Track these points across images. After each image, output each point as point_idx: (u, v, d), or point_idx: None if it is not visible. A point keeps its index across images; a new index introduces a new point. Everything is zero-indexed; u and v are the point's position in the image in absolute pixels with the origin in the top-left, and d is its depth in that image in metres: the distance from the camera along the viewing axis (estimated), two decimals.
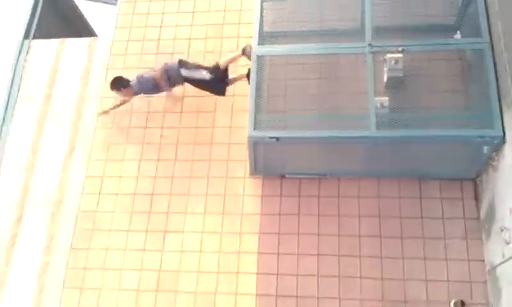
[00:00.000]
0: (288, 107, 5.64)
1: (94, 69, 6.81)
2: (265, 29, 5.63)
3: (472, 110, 4.99)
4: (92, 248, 5.70)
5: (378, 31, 5.12)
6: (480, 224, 5.09)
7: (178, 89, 6.15)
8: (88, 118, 6.47)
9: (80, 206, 5.95)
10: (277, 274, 5.26)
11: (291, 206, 5.52)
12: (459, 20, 5.50)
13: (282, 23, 5.75)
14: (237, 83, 6.10)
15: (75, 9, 8.42)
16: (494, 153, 4.69)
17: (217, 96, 6.05)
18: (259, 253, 5.38)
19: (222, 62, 5.89)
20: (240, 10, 6.64)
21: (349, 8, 5.66)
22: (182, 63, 5.87)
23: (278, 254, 5.34)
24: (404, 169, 5.30)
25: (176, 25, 6.74)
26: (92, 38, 7.33)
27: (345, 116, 5.22)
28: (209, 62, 6.31)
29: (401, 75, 5.28)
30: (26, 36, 7.26)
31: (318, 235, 5.34)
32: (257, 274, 5.31)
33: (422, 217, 5.23)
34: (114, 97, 6.19)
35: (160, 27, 6.77)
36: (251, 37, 5.58)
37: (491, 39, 4.82)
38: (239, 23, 6.56)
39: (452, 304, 4.86)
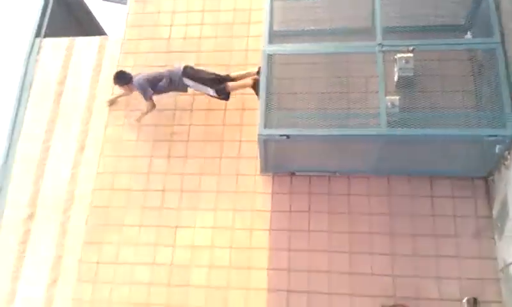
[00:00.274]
0: (299, 105, 5.67)
1: (104, 67, 6.85)
2: (275, 28, 5.66)
3: (483, 109, 5.01)
4: (104, 242, 5.76)
5: (388, 31, 5.15)
6: (493, 222, 5.12)
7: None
8: (98, 115, 6.52)
9: (92, 202, 6.00)
10: (288, 270, 5.30)
11: (301, 204, 5.56)
12: (469, 19, 5.52)
13: (292, 23, 5.79)
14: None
15: (85, 8, 8.47)
16: (506, 152, 4.71)
17: None
18: (270, 249, 5.42)
19: (231, 86, 5.95)
20: (250, 9, 6.67)
21: (359, 8, 5.68)
22: (186, 72, 5.91)
23: (289, 250, 5.38)
24: (415, 167, 5.34)
25: (186, 24, 6.78)
26: (103, 36, 7.38)
27: (355, 115, 5.26)
28: (220, 60, 6.41)
29: (412, 74, 5.30)
30: (37, 35, 7.31)
31: (328, 232, 5.38)
32: (268, 269, 5.35)
33: (433, 215, 5.26)
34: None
35: (171, 26, 6.82)
36: (260, 36, 5.63)
37: (502, 38, 4.85)
38: (249, 23, 6.60)
39: (464, 301, 4.87)
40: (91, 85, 6.79)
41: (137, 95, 6.18)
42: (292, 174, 5.69)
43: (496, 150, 4.71)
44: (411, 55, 5.21)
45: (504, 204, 4.81)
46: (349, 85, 5.63)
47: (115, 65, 6.70)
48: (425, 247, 5.17)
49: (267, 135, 4.99)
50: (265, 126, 4.98)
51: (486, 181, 5.30)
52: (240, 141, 5.98)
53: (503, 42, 4.84)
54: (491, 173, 5.17)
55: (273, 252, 5.41)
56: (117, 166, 6.14)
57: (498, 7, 5.04)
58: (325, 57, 5.59)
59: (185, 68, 5.93)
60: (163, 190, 5.90)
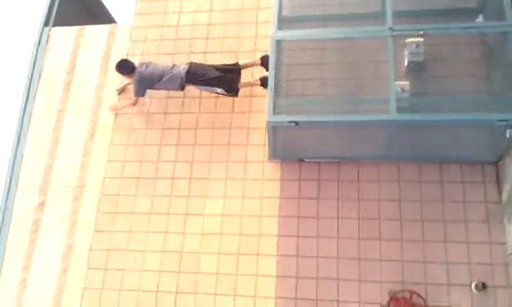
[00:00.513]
0: (308, 92, 5.63)
1: (114, 55, 6.86)
2: (284, 13, 5.62)
3: (494, 94, 4.95)
4: (115, 230, 5.80)
5: (399, 15, 5.09)
6: (503, 207, 5.08)
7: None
8: (108, 103, 6.53)
9: (103, 190, 6.03)
10: (297, 256, 5.31)
11: (310, 190, 5.55)
12: (481, 2, 5.44)
13: (301, 8, 5.75)
14: (256, 68, 6.12)
15: None
16: None
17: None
18: (279, 236, 5.43)
19: (240, 84, 5.93)
20: None
21: None
22: (189, 77, 5.85)
23: (298, 236, 5.38)
24: (425, 152, 5.30)
25: (194, 11, 6.76)
26: (112, 24, 7.37)
27: (365, 100, 5.21)
28: (228, 48, 6.39)
29: (422, 59, 5.25)
30: (46, 24, 7.33)
31: (338, 218, 5.37)
32: (277, 255, 5.36)
33: (442, 201, 5.24)
34: None
35: (179, 13, 6.79)
36: (270, 21, 5.59)
37: None
38: (258, 9, 6.57)
39: (473, 286, 4.87)
40: (100, 73, 6.81)
41: None
42: (301, 160, 5.67)
43: (507, 135, 4.63)
44: (421, 39, 5.15)
45: None
46: (359, 70, 5.57)
47: (124, 53, 6.70)
48: (434, 233, 5.16)
49: (275, 122, 4.97)
50: (274, 113, 4.95)
51: (496, 166, 5.26)
52: (248, 128, 5.97)
53: None
54: (501, 158, 5.13)
55: (282, 239, 5.42)
56: (126, 154, 6.16)
57: None
58: (334, 42, 5.53)
59: (188, 73, 5.85)
60: (172, 178, 5.92)
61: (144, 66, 6.03)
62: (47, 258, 5.96)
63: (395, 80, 4.83)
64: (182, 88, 5.97)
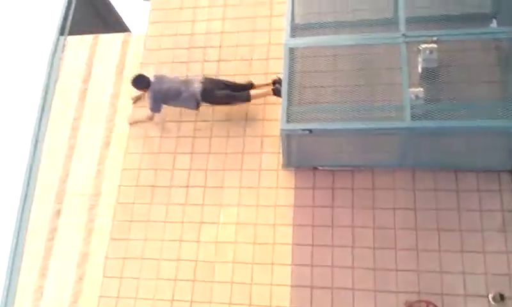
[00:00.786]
0: (321, 99, 5.61)
1: (128, 64, 6.92)
2: (297, 21, 5.62)
3: (509, 100, 4.89)
4: (130, 239, 5.84)
5: (412, 21, 5.06)
6: None
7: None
8: (123, 111, 6.60)
9: (118, 198, 6.08)
10: (311, 266, 5.30)
11: (324, 198, 5.53)
12: (495, 8, 5.39)
13: (314, 15, 5.74)
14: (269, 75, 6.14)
15: (108, 5, 8.55)
16: None
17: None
18: (293, 245, 5.42)
19: (252, 94, 5.94)
20: (272, 3, 6.64)
21: None
22: (205, 96, 5.89)
23: (313, 245, 5.37)
24: (440, 160, 5.26)
25: (208, 20, 6.78)
26: (126, 33, 7.43)
27: (379, 108, 5.18)
28: (242, 56, 6.40)
29: (436, 65, 5.19)
30: (61, 33, 7.42)
31: (352, 227, 5.35)
32: (292, 265, 5.35)
33: (458, 210, 5.19)
34: None
35: (193, 21, 6.82)
36: (282, 29, 5.59)
37: None
38: (271, 16, 6.57)
39: (490, 297, 4.82)
40: (115, 82, 6.87)
41: None
42: (315, 168, 5.66)
43: None
44: (435, 45, 5.10)
45: None
46: (372, 77, 5.54)
47: (138, 61, 6.76)
48: (450, 242, 5.11)
49: (289, 129, 4.97)
50: (287, 121, 4.95)
51: None
52: (262, 136, 5.98)
53: None
54: None
55: (296, 248, 5.41)
56: (141, 163, 6.20)
57: None
58: (347, 49, 5.51)
59: (203, 92, 5.87)
60: (187, 187, 5.94)
61: (159, 81, 6.04)
62: (63, 266, 6.03)
63: (409, 87, 4.80)
64: (198, 107, 6.00)
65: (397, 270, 5.10)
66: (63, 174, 6.49)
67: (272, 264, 5.41)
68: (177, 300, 5.49)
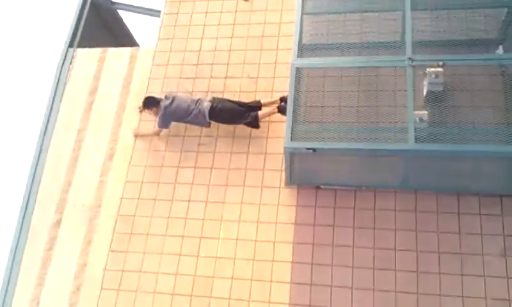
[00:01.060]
0: (326, 119, 5.63)
1: (135, 78, 6.98)
2: (304, 41, 5.67)
3: None
4: (130, 251, 5.81)
5: (418, 45, 5.11)
6: None
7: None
8: (128, 124, 6.63)
9: (120, 211, 6.07)
10: (311, 284, 5.25)
11: (326, 217, 5.51)
12: (501, 34, 5.44)
13: (321, 36, 5.80)
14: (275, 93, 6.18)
15: (118, 19, 8.67)
16: None
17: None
18: (293, 263, 5.39)
19: (260, 114, 5.97)
20: (280, 23, 6.71)
21: (388, 21, 5.67)
22: (213, 115, 5.94)
23: (312, 264, 5.33)
24: (443, 183, 5.24)
25: (217, 37, 6.84)
26: (134, 47, 7.51)
27: (383, 129, 5.20)
28: (249, 74, 6.45)
29: (441, 89, 5.23)
30: (70, 45, 7.50)
31: (353, 247, 5.32)
32: (291, 283, 5.31)
33: (459, 233, 5.16)
34: None
35: (202, 38, 6.89)
36: (289, 49, 5.66)
37: None
38: (279, 36, 6.64)
39: None
40: (121, 95, 6.91)
41: None
42: (318, 187, 5.65)
43: None
44: (441, 69, 5.14)
45: None
46: (377, 98, 5.58)
47: (145, 75, 6.81)
48: (450, 265, 5.07)
49: (293, 148, 4.99)
50: (291, 139, 4.97)
51: None
52: (265, 153, 5.99)
53: None
54: None
55: (296, 266, 5.37)
56: (145, 176, 6.21)
57: None
58: (354, 70, 5.56)
59: (211, 110, 5.93)
60: (188, 201, 5.94)
61: (169, 101, 6.08)
62: (60, 276, 6.00)
63: (414, 110, 4.82)
64: (209, 124, 6.04)
65: (396, 292, 5.05)
66: (65, 184, 6.49)
67: (271, 281, 5.37)
68: None
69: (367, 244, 5.30)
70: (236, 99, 6.23)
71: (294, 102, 5.15)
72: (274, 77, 6.39)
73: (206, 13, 7.05)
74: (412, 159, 4.85)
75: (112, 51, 7.33)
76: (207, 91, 6.45)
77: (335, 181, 5.57)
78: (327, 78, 5.72)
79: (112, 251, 5.87)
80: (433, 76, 5.22)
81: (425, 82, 5.28)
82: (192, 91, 6.49)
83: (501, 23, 5.44)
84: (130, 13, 8.55)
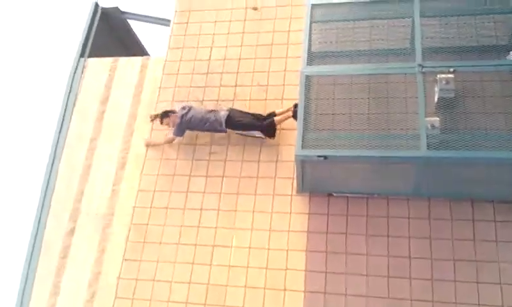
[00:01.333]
0: (337, 126, 5.63)
1: (146, 87, 7.04)
2: (314, 49, 5.68)
3: None
4: (143, 260, 5.84)
5: (428, 51, 5.12)
6: None
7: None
8: (140, 133, 6.68)
9: (133, 219, 6.10)
10: (324, 293, 5.25)
11: (338, 225, 5.51)
12: None
13: (330, 44, 5.81)
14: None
15: (128, 29, 8.73)
16: None
17: None
18: (306, 271, 5.39)
19: (276, 120, 5.99)
20: (289, 31, 6.73)
21: (398, 28, 5.67)
22: (229, 123, 5.98)
23: (326, 272, 5.33)
24: (456, 190, 5.23)
25: (226, 46, 6.88)
26: (144, 57, 7.58)
27: (394, 136, 5.20)
28: (258, 82, 6.48)
29: (452, 95, 5.22)
30: (82, 55, 7.58)
31: (366, 255, 5.31)
32: (305, 292, 5.31)
33: (474, 240, 5.14)
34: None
35: (211, 47, 6.92)
36: (299, 57, 5.68)
37: None
38: (288, 44, 6.66)
39: None
40: (132, 104, 6.97)
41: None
42: (330, 195, 5.65)
43: None
44: (451, 76, 5.14)
45: None
46: (388, 106, 5.57)
47: (156, 85, 6.85)
48: (465, 273, 5.05)
49: (304, 155, 5.00)
50: (302, 147, 4.99)
51: None
52: (277, 161, 6.00)
53: None
54: None
55: (309, 274, 5.37)
56: (157, 184, 6.23)
57: None
58: (364, 78, 5.56)
59: (228, 118, 5.98)
60: (201, 209, 5.96)
61: (186, 110, 6.15)
62: (74, 285, 6.04)
63: (425, 117, 4.82)
64: (225, 131, 6.08)
65: (411, 300, 5.04)
66: (78, 193, 6.55)
67: (285, 290, 5.37)
68: None
69: (380, 251, 5.29)
70: (246, 108, 6.28)
71: (304, 110, 5.17)
72: (283, 85, 6.41)
73: (215, 22, 7.08)
74: (424, 166, 4.84)
75: (123, 61, 7.39)
76: (217, 100, 6.49)
77: (346, 189, 5.57)
78: (337, 85, 5.72)
79: (126, 260, 5.90)
80: (444, 82, 5.21)
81: (436, 89, 5.27)
82: (203, 100, 6.52)
83: (511, 29, 5.42)
84: (140, 22, 8.61)
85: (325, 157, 4.92)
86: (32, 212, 6.62)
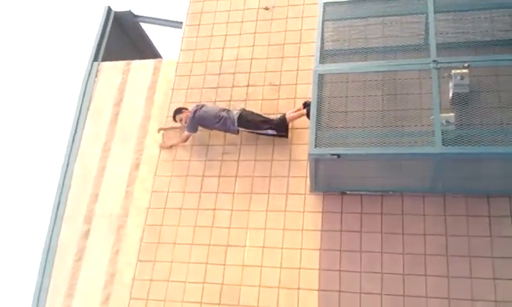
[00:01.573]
0: (350, 124, 5.59)
1: (159, 89, 7.08)
2: (326, 47, 5.66)
3: None
4: (157, 261, 5.84)
5: (442, 47, 5.06)
6: None
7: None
8: (153, 135, 6.71)
9: (147, 221, 6.10)
10: (339, 291, 5.20)
11: (353, 223, 5.46)
12: None
13: (343, 42, 5.78)
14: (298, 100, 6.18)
15: (141, 32, 8.80)
16: None
17: None
18: (320, 270, 5.35)
19: (288, 117, 5.99)
20: (301, 30, 6.71)
21: (411, 25, 5.63)
22: (241, 122, 6.00)
23: (340, 271, 5.28)
24: (471, 186, 5.15)
25: (238, 47, 6.87)
26: (157, 59, 7.63)
27: (408, 133, 5.15)
28: (271, 82, 6.47)
29: (467, 91, 5.16)
30: (95, 59, 7.66)
31: (381, 253, 5.25)
32: (319, 290, 5.27)
33: (491, 236, 5.05)
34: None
35: (223, 48, 6.93)
36: (311, 55, 5.66)
37: None
38: (300, 43, 6.64)
39: None
40: (146, 106, 7.02)
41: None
42: (343, 193, 5.61)
43: None
44: (466, 71, 5.07)
45: None
46: (402, 102, 5.52)
47: (169, 86, 6.88)
48: (482, 269, 4.96)
49: (317, 154, 4.96)
50: (315, 146, 4.94)
51: None
52: (290, 160, 5.97)
53: None
54: None
55: (324, 273, 5.33)
56: (170, 185, 6.24)
57: None
58: (377, 75, 5.52)
59: (240, 117, 6.00)
60: (214, 209, 5.95)
61: (199, 106, 6.21)
62: (90, 286, 6.08)
63: (440, 113, 4.76)
64: (238, 131, 6.09)
65: (427, 298, 4.96)
66: (92, 195, 6.60)
67: (299, 289, 5.33)
68: None
69: (395, 249, 5.23)
70: (259, 107, 6.30)
71: (317, 108, 5.13)
72: (296, 84, 6.39)
73: (227, 23, 7.09)
74: (440, 162, 4.78)
75: (136, 63, 7.46)
76: (230, 100, 6.48)
77: (360, 187, 5.53)
78: (350, 83, 5.68)
79: (140, 261, 5.91)
80: (459, 78, 5.13)
81: (450, 85, 5.20)
82: (215, 101, 6.52)
83: None
84: (153, 25, 8.68)
85: (338, 156, 4.87)
86: (47, 215, 6.71)
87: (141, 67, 7.39)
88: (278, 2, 6.98)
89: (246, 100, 6.43)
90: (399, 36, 5.66)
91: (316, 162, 5.11)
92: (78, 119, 7.19)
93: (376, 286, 5.14)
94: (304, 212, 5.68)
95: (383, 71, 5.39)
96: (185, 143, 6.36)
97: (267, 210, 5.80)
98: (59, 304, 6.09)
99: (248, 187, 5.98)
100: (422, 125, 5.02)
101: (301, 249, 5.50)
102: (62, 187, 6.74)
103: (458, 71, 5.09)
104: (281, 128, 5.96)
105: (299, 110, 6.00)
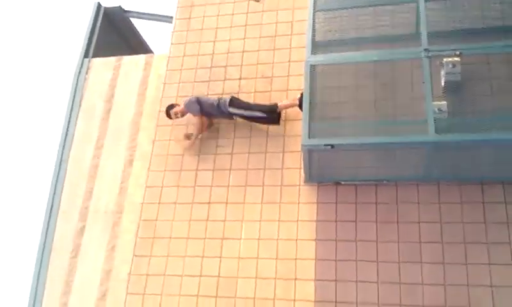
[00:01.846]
0: (343, 114, 5.61)
1: (151, 84, 7.04)
2: (317, 38, 5.65)
3: None
4: (153, 255, 5.84)
5: (434, 35, 5.07)
6: None
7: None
8: (145, 130, 6.69)
9: (141, 216, 6.10)
10: (335, 281, 5.22)
11: (348, 213, 5.48)
12: None
13: (334, 32, 5.77)
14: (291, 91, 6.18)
15: (131, 27, 8.73)
16: None
17: None
18: (316, 260, 5.36)
19: (280, 105, 6.00)
20: (292, 21, 6.70)
21: (402, 14, 5.63)
22: (233, 101, 6.03)
23: (336, 260, 5.30)
24: (465, 173, 5.18)
25: (229, 39, 6.85)
26: (148, 54, 7.57)
27: (401, 122, 5.17)
28: (263, 74, 6.46)
29: (459, 79, 5.18)
30: (86, 55, 7.60)
31: (376, 241, 5.28)
32: (315, 280, 5.29)
33: (485, 222, 5.09)
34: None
35: (214, 41, 6.91)
36: (303, 47, 5.65)
37: None
38: (291, 34, 6.63)
39: None
40: (137, 101, 6.97)
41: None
42: (338, 183, 5.62)
43: None
44: (458, 59, 5.09)
45: None
46: (394, 91, 5.54)
47: (161, 82, 6.86)
48: (477, 255, 5.00)
49: (311, 145, 4.96)
50: (309, 136, 4.94)
51: None
52: (283, 151, 5.97)
53: None
54: None
55: (320, 263, 5.35)
56: (164, 180, 6.23)
57: None
58: (369, 64, 5.52)
59: (232, 98, 6.05)
60: (209, 203, 5.95)
61: (194, 97, 6.23)
62: (86, 283, 6.06)
63: (432, 101, 4.78)
64: (230, 113, 6.07)
65: (423, 284, 5.00)
66: (86, 192, 6.57)
67: (296, 279, 5.35)
68: None
69: (390, 237, 5.25)
70: (251, 99, 6.29)
71: (309, 99, 5.12)
72: (288, 76, 6.38)
73: (218, 16, 7.07)
74: (433, 150, 4.79)
75: (127, 59, 7.41)
76: (222, 93, 6.45)
77: (355, 177, 5.54)
78: (342, 74, 5.69)
79: (136, 256, 5.90)
80: (450, 66, 5.17)
81: (442, 73, 5.23)
82: (207, 94, 6.50)
83: None
84: (144, 20, 8.61)
85: (332, 146, 4.88)
86: (41, 213, 6.66)
87: (132, 62, 7.33)
88: None
89: (238, 93, 6.40)
90: (390, 25, 5.68)
91: (310, 153, 5.12)
92: (70, 116, 7.14)
93: (372, 274, 5.16)
94: (299, 203, 5.69)
95: (375, 61, 5.38)
96: (177, 136, 6.36)
97: (262, 202, 5.80)
98: (56, 301, 6.06)
99: (242, 180, 5.97)
100: (415, 114, 5.03)
101: (296, 239, 5.52)
102: (56, 185, 6.69)
103: (450, 59, 5.11)
104: (272, 114, 5.96)
105: (294, 100, 6.00)
